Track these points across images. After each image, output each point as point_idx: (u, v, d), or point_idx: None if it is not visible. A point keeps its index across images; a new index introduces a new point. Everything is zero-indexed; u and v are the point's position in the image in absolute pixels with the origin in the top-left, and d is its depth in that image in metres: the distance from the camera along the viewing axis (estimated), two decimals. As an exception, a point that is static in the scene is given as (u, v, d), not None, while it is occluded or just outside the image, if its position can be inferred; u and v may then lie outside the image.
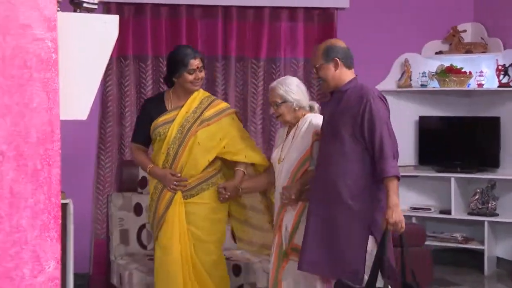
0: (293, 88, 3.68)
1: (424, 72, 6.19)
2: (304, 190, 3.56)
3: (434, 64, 6.23)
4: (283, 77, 3.92)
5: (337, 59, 3.42)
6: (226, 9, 5.87)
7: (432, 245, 5.89)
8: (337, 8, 5.98)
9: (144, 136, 3.90)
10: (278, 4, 5.92)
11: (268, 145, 5.93)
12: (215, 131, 3.84)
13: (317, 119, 3.68)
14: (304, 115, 3.72)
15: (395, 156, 3.30)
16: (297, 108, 3.68)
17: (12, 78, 1.69)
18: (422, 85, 6.21)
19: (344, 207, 3.34)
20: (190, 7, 5.77)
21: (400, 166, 5.49)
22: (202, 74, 3.83)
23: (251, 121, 5.97)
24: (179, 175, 3.77)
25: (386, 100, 3.41)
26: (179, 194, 3.79)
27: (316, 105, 3.81)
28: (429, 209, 6.19)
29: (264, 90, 5.94)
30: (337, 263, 3.35)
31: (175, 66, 3.77)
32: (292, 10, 5.98)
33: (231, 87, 5.95)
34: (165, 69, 4.02)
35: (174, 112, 3.83)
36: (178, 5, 5.73)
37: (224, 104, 4.00)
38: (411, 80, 6.21)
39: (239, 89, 6.01)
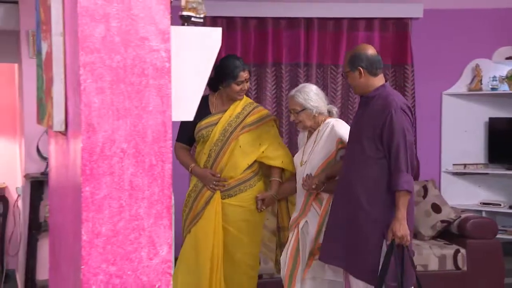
0: (311, 96, 3.58)
1: (494, 76, 6.01)
2: (325, 181, 3.47)
3: (504, 69, 6.03)
4: (301, 85, 3.77)
5: (361, 68, 3.29)
6: (308, 20, 5.87)
7: (503, 238, 5.71)
8: (411, 18, 5.88)
9: (187, 136, 3.81)
10: (356, 15, 5.88)
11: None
12: (255, 137, 3.76)
13: (339, 125, 3.58)
14: (325, 120, 3.61)
15: (410, 170, 3.14)
16: (316, 115, 3.58)
17: (131, 85, 1.75)
18: (492, 89, 6.02)
19: (362, 211, 3.22)
20: (276, 19, 5.80)
21: (470, 164, 5.33)
22: (247, 85, 3.77)
23: (329, 122, 5.95)
24: (218, 175, 3.69)
25: (411, 111, 3.26)
26: (218, 194, 3.71)
27: (335, 109, 3.71)
28: (499, 205, 6.01)
29: (342, 94, 5.93)
30: (354, 263, 3.25)
31: (224, 76, 3.70)
32: (369, 21, 5.92)
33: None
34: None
35: (218, 115, 3.75)
36: (265, 18, 5.77)
37: (265, 111, 3.88)
38: (481, 84, 6.04)
39: (319, 93, 6.01)
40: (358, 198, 3.22)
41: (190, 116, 1.99)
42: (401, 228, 3.09)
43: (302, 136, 3.81)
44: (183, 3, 1.96)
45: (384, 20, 5.91)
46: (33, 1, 4.38)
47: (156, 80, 1.77)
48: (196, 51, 1.92)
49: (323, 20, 5.88)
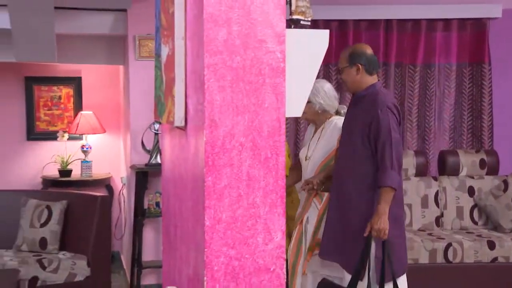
0: (320, 92, 3.44)
1: None
2: (325, 181, 3.34)
3: None
4: (317, 79, 3.49)
5: (359, 65, 3.14)
6: (388, 22, 5.78)
7: None
8: (489, 18, 5.68)
9: None
10: (434, 16, 5.73)
11: (422, 140, 5.79)
12: None
13: (337, 123, 3.45)
14: (330, 117, 3.48)
15: (395, 166, 3.02)
16: (319, 111, 3.45)
17: (250, 83, 1.77)
18: None
19: (352, 207, 3.12)
20: (357, 21, 5.74)
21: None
22: None
23: (407, 119, 5.83)
24: None
25: (398, 110, 3.11)
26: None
27: (343, 109, 3.53)
28: None
29: (419, 92, 5.79)
30: (346, 258, 3.13)
31: None
32: (447, 21, 5.75)
33: (390, 89, 5.85)
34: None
35: None
36: (346, 20, 5.72)
37: None
38: (558, 81, 5.79)
39: (397, 91, 5.89)
40: (349, 194, 3.13)
41: (298, 113, 1.99)
42: (379, 222, 2.99)
43: (309, 132, 3.67)
44: (293, 7, 1.97)
45: (462, 21, 5.74)
46: (140, 9, 4.52)
47: (272, 79, 1.79)
48: (306, 51, 1.93)
49: (402, 21, 5.76)
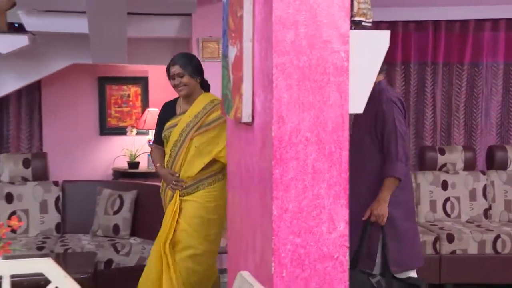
0: None
1: None
2: None
3: None
4: None
5: None
6: (436, 23, 5.64)
7: None
8: (537, 18, 5.49)
9: (159, 137, 3.47)
10: (482, 17, 5.57)
11: (469, 136, 5.65)
12: (213, 136, 3.35)
13: None
14: None
15: (402, 157, 2.95)
16: None
17: (315, 82, 1.76)
18: None
19: (362, 200, 3.03)
20: (406, 22, 5.63)
21: None
22: (182, 80, 3.33)
23: (454, 115, 5.70)
24: (177, 175, 3.34)
25: (402, 103, 3.03)
26: (178, 193, 3.36)
27: None
28: None
29: (466, 91, 5.65)
30: (356, 252, 3.03)
31: (167, 74, 3.43)
32: (495, 21, 5.58)
33: (438, 88, 5.72)
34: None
35: (180, 116, 3.39)
36: (396, 22, 5.62)
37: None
38: None
39: (445, 90, 5.76)
40: (359, 188, 3.04)
41: (360, 109, 1.97)
42: (380, 208, 2.96)
43: None
44: (355, 9, 1.94)
45: (510, 21, 5.56)
46: (203, 14, 4.57)
47: (336, 77, 1.77)
48: (368, 51, 1.90)
49: (450, 22, 5.62)
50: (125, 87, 5.92)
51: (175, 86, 3.35)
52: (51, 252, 3.98)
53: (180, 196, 3.34)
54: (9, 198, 4.41)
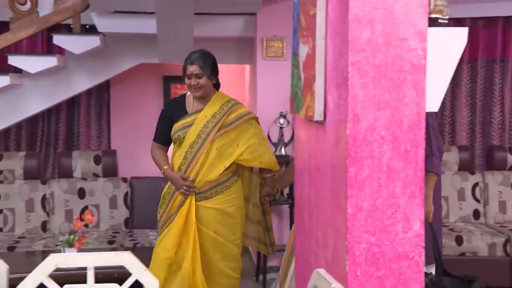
0: None
1: None
2: None
3: None
4: None
5: None
6: (506, 19, 5.45)
7: None
8: None
9: (164, 136, 3.27)
10: (554, 11, 5.35)
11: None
12: (233, 138, 3.18)
13: None
14: None
15: (436, 152, 2.95)
16: None
17: (391, 80, 1.74)
18: None
19: None
20: (474, 19, 5.47)
21: None
22: (202, 82, 3.14)
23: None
24: (190, 179, 3.10)
25: None
26: (191, 198, 3.14)
27: None
28: None
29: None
30: None
31: (182, 70, 3.23)
32: None
33: (507, 86, 5.53)
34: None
35: (194, 115, 3.17)
36: (463, 18, 5.47)
37: (243, 109, 3.26)
38: None
39: (515, 87, 5.57)
40: None
41: (436, 107, 1.93)
42: (425, 205, 2.89)
43: None
44: (431, 6, 1.91)
45: None
46: (268, 13, 4.59)
47: (413, 75, 1.75)
48: (445, 48, 1.86)
49: (521, 18, 5.43)
50: (189, 86, 6.03)
51: (190, 86, 3.16)
52: (121, 246, 4.10)
53: (196, 200, 3.13)
54: (81, 193, 4.57)
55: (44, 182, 4.68)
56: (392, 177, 1.76)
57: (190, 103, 3.21)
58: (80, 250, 3.33)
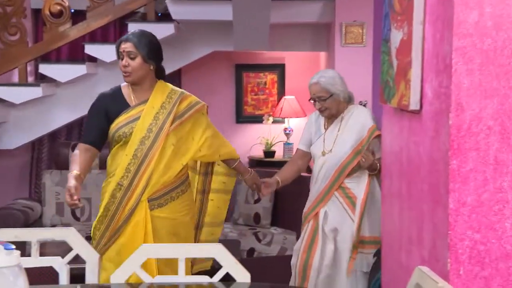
0: (337, 81, 3.13)
1: None
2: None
3: None
4: (322, 71, 3.28)
5: None
6: None
7: None
8: None
9: (97, 136, 2.77)
10: None
11: None
12: (188, 130, 2.81)
13: (366, 112, 3.18)
14: (346, 106, 3.18)
15: None
16: (342, 100, 3.14)
17: (500, 66, 1.68)
18: None
19: None
20: None
21: None
22: (131, 62, 2.70)
23: None
24: (75, 197, 2.53)
25: None
26: (145, 204, 2.69)
27: (352, 95, 3.24)
28: None
29: None
30: None
31: (116, 51, 2.80)
32: None
33: None
34: None
35: (139, 107, 2.75)
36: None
37: (193, 97, 2.87)
38: None
39: None
40: None
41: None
42: None
43: (313, 125, 3.30)
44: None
45: None
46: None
47: (525, 61, 1.68)
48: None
49: None
50: (261, 74, 6.05)
51: (122, 68, 2.73)
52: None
53: (149, 208, 2.70)
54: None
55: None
56: (500, 171, 1.70)
57: (130, 95, 2.78)
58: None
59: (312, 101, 3.17)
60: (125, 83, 2.80)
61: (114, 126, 2.73)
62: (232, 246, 3.86)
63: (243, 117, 6.07)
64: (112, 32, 5.43)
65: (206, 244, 1.86)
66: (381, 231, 2.78)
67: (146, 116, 2.71)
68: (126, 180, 2.67)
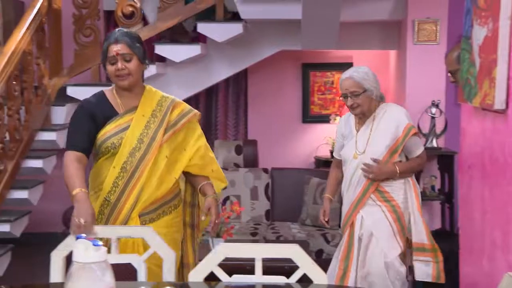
0: (370, 77, 2.99)
1: None
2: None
3: None
4: (355, 67, 3.10)
5: None
6: None
7: None
8: None
9: (85, 142, 2.45)
10: None
11: None
12: (181, 141, 2.56)
13: (400, 110, 3.01)
14: (378, 104, 3.02)
15: None
16: (374, 97, 2.98)
17: None
18: None
19: None
20: None
21: None
22: (127, 65, 2.44)
23: None
24: (89, 221, 2.18)
25: None
26: (135, 216, 2.43)
27: (383, 95, 3.08)
28: None
29: None
30: None
31: (101, 54, 2.51)
32: None
33: None
34: None
35: (128, 116, 2.48)
36: None
37: (185, 105, 2.61)
38: None
39: None
40: None
41: None
42: None
43: (345, 125, 3.15)
44: None
45: None
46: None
47: None
48: None
49: None
50: (328, 73, 6.02)
51: (115, 73, 2.45)
52: (263, 239, 4.21)
53: (141, 223, 2.45)
54: (223, 183, 4.76)
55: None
56: None
57: (116, 101, 2.51)
58: (227, 241, 3.47)
59: (343, 98, 3.04)
60: (108, 88, 2.54)
61: (101, 136, 2.45)
62: (301, 247, 3.87)
63: (310, 117, 6.06)
64: (180, 32, 5.54)
65: (283, 245, 1.87)
66: (460, 236, 2.71)
67: (136, 125, 2.46)
68: (113, 195, 2.41)
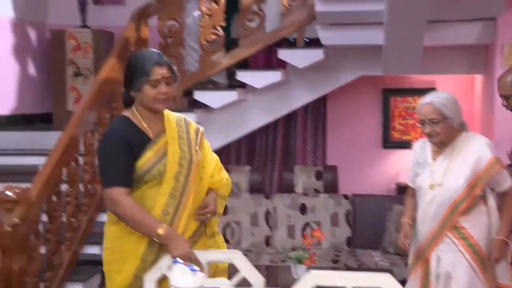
0: (452, 103, 2.82)
1: None
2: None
3: None
4: (436, 92, 2.95)
5: None
6: None
7: None
8: None
9: (130, 174, 2.35)
10: None
11: None
12: (201, 159, 2.51)
13: (483, 141, 2.81)
14: (459, 133, 2.84)
15: None
16: (455, 126, 2.80)
17: None
18: None
19: None
20: None
21: None
22: (169, 91, 2.39)
23: None
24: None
25: None
26: None
27: (466, 123, 2.88)
28: None
29: None
30: None
31: (133, 74, 2.37)
32: None
33: None
34: None
35: (161, 140, 2.41)
36: None
37: (193, 122, 2.58)
38: None
39: None
40: None
41: None
42: None
43: (417, 154, 3.02)
44: None
45: None
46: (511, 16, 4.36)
47: None
48: None
49: None
50: (410, 98, 5.95)
51: (156, 97, 2.38)
52: (345, 266, 4.18)
53: None
54: (303, 209, 4.76)
55: (267, 197, 4.98)
56: None
57: (142, 125, 2.43)
58: (311, 267, 3.47)
59: (421, 125, 2.92)
60: (129, 112, 2.45)
61: (142, 165, 2.35)
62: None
63: (391, 142, 5.99)
64: (259, 58, 5.65)
65: (374, 273, 1.86)
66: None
67: (173, 149, 2.40)
68: (164, 223, 2.32)
